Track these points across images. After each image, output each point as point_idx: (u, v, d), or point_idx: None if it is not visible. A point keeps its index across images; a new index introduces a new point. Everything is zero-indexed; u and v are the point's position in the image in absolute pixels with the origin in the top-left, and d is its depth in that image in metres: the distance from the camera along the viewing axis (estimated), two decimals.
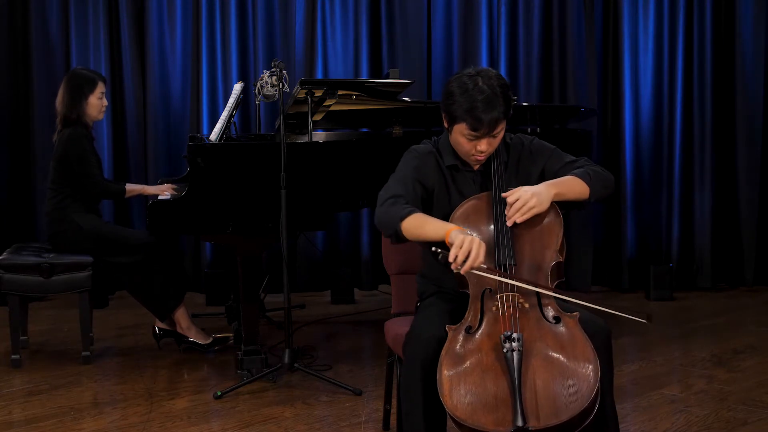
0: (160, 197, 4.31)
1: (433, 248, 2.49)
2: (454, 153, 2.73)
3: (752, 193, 5.87)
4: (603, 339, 2.49)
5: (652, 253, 5.93)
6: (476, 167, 2.73)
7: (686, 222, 5.90)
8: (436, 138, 2.83)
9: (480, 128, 2.58)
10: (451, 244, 2.44)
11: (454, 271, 2.45)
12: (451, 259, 2.42)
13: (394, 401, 3.16)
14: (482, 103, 2.56)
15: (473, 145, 2.63)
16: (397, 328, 2.92)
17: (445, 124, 2.70)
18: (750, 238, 5.89)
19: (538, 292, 2.51)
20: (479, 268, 2.45)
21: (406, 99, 4.59)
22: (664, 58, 5.84)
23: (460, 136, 2.64)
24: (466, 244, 2.41)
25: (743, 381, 3.92)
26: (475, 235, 2.53)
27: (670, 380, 3.97)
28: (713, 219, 5.87)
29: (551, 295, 2.53)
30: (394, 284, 3.18)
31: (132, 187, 4.54)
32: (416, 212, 2.59)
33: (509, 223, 2.57)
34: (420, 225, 2.56)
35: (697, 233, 5.88)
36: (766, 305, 5.55)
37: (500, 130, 2.63)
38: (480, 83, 2.59)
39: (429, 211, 2.73)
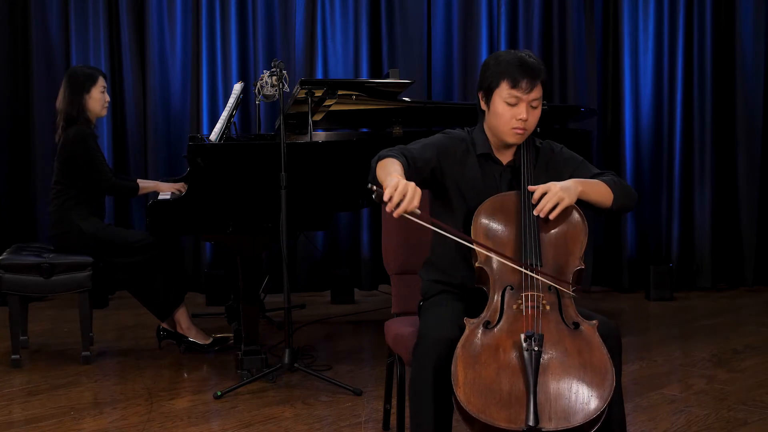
0: (160, 197, 4.32)
1: (369, 185, 2.43)
2: (488, 143, 2.74)
3: (752, 193, 5.87)
4: (614, 341, 2.50)
5: (652, 253, 5.93)
6: (514, 140, 2.68)
7: (686, 222, 5.90)
8: (469, 129, 2.83)
9: (520, 82, 2.61)
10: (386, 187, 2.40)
11: (388, 211, 2.38)
12: (385, 198, 2.37)
13: (394, 401, 3.16)
14: (519, 60, 2.64)
15: (513, 114, 2.64)
16: (397, 328, 2.92)
17: (483, 106, 2.71)
18: (750, 238, 5.89)
19: (558, 294, 2.51)
20: (413, 213, 2.40)
21: (406, 99, 4.59)
22: (664, 58, 5.84)
23: (499, 103, 2.65)
24: (401, 186, 2.38)
25: (743, 381, 3.92)
26: (500, 228, 2.57)
27: (670, 380, 3.97)
28: (713, 219, 5.87)
29: (568, 295, 2.53)
30: (394, 284, 3.18)
31: (145, 184, 4.53)
32: (396, 159, 2.57)
33: (541, 214, 2.55)
34: (383, 167, 2.54)
35: (697, 233, 5.88)
36: (766, 305, 5.55)
37: (538, 98, 2.65)
38: (516, 53, 2.68)
39: (446, 196, 2.72)
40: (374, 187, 2.40)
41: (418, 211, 2.40)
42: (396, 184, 2.38)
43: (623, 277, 5.89)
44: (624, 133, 5.84)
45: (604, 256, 5.93)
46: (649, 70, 5.86)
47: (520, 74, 2.61)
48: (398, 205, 2.37)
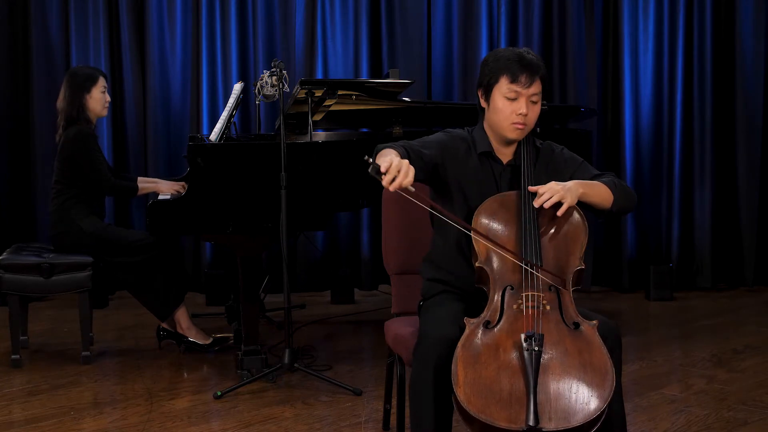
0: (160, 197, 4.32)
1: (366, 157, 2.45)
2: (488, 142, 2.74)
3: (752, 193, 5.87)
4: (614, 341, 2.51)
5: (652, 253, 5.93)
6: (514, 135, 2.69)
7: (686, 222, 5.90)
8: (469, 128, 2.83)
9: (519, 76, 2.62)
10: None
11: (384, 185, 2.40)
12: (383, 170, 2.39)
13: (394, 401, 3.16)
14: (518, 56, 2.66)
15: (513, 109, 2.65)
16: (397, 328, 2.92)
17: (483, 103, 2.73)
18: (750, 238, 5.89)
19: (559, 294, 2.52)
20: (407, 191, 2.43)
21: (406, 99, 4.59)
22: (664, 58, 5.84)
23: (499, 99, 2.66)
24: (396, 162, 2.41)
25: (743, 381, 3.92)
26: (500, 228, 2.58)
27: (670, 380, 3.97)
28: (713, 219, 5.87)
29: (568, 298, 2.53)
30: (394, 284, 3.18)
31: (145, 185, 4.52)
32: (395, 149, 2.58)
33: (546, 206, 2.55)
34: (381, 155, 2.55)
35: (697, 233, 5.88)
36: (766, 305, 5.55)
37: (538, 93, 2.66)
38: (515, 50, 2.71)
39: (448, 194, 2.73)
40: (370, 160, 2.43)
41: (412, 189, 2.44)
42: (391, 160, 2.42)
43: (623, 277, 5.89)
44: (624, 133, 5.84)
45: (604, 256, 5.93)
46: (649, 70, 5.86)
47: (519, 69, 2.63)
48: (393, 180, 2.39)
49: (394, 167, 2.40)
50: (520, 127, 2.67)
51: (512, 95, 2.65)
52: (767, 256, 5.94)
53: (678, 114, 5.83)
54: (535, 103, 2.67)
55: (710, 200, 5.85)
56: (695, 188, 5.86)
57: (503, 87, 2.65)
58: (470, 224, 2.61)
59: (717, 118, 5.85)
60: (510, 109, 2.65)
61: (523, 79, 2.63)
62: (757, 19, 5.78)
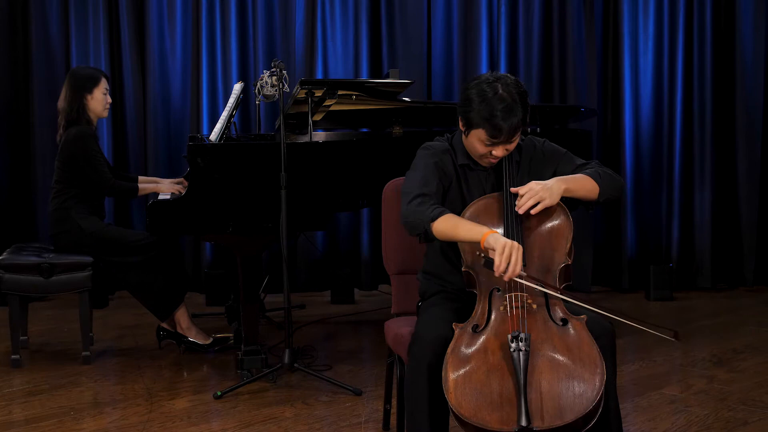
0: (160, 197, 4.32)
1: (478, 252, 2.51)
2: (467, 154, 2.75)
3: (752, 193, 5.88)
4: (607, 339, 2.51)
5: (652, 253, 5.93)
6: (486, 165, 2.75)
7: (686, 222, 5.90)
8: (449, 135, 2.83)
9: (499, 136, 2.60)
10: (488, 249, 2.45)
11: (497, 275, 2.45)
12: (496, 267, 2.43)
13: (394, 401, 3.16)
14: (502, 111, 2.57)
15: (488, 150, 2.65)
16: (397, 328, 2.92)
17: (462, 127, 2.70)
18: (750, 238, 5.89)
19: (546, 294, 2.52)
20: (521, 276, 2.46)
21: (406, 99, 4.59)
22: (664, 58, 5.84)
23: (476, 141, 2.65)
24: (507, 249, 2.42)
25: (743, 381, 3.92)
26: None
27: (670, 380, 3.97)
28: (713, 219, 5.87)
29: (562, 299, 2.53)
30: (394, 284, 3.18)
31: (145, 186, 4.52)
32: (447, 213, 2.59)
33: (520, 211, 2.56)
34: (453, 227, 2.56)
35: (697, 233, 5.89)
36: (766, 305, 5.54)
37: (517, 137, 2.65)
38: (500, 90, 2.59)
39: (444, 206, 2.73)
40: (483, 256, 2.50)
41: (524, 273, 2.47)
42: (502, 248, 2.43)
43: (623, 277, 5.89)
44: (624, 133, 5.84)
45: (604, 256, 5.93)
46: (649, 70, 5.86)
47: (502, 127, 2.58)
48: (506, 269, 2.43)
49: (504, 259, 2.42)
50: (492, 161, 2.69)
51: (489, 143, 2.63)
52: (767, 256, 5.94)
53: (678, 114, 5.83)
54: (513, 141, 2.65)
55: (710, 200, 5.85)
56: (695, 188, 5.86)
57: (482, 135, 2.62)
58: None
59: (717, 118, 5.85)
60: (485, 150, 2.66)
61: (502, 137, 2.60)
62: (757, 19, 5.78)
